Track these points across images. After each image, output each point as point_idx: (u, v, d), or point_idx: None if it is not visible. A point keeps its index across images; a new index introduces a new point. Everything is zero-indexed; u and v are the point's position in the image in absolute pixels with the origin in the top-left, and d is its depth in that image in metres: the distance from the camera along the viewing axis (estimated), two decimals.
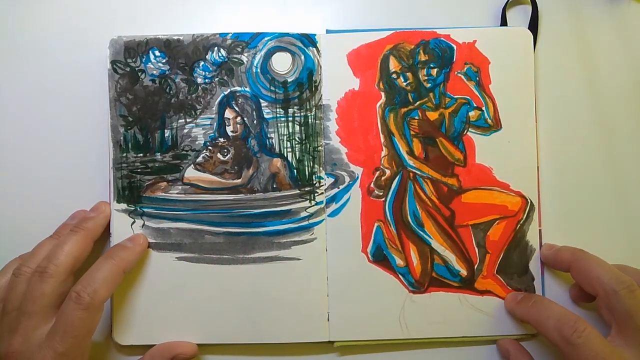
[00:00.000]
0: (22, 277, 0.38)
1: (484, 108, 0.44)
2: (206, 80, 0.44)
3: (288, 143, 0.43)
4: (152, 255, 0.43)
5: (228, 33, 0.43)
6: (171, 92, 0.43)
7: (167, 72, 0.43)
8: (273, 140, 0.43)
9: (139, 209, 0.43)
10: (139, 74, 0.43)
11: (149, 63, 0.43)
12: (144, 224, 0.43)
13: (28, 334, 0.36)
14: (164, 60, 0.43)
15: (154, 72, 0.43)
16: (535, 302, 0.40)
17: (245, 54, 0.44)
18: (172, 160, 0.43)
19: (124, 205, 0.43)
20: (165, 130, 0.43)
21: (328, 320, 0.43)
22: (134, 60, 0.43)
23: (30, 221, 0.44)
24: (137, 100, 0.43)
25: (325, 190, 0.43)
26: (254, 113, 0.44)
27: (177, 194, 0.43)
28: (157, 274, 0.43)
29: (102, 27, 0.45)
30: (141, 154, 0.43)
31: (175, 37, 0.43)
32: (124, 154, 0.43)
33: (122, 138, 0.43)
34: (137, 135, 0.43)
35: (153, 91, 0.43)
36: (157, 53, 0.43)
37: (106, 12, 0.45)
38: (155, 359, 0.41)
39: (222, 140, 0.44)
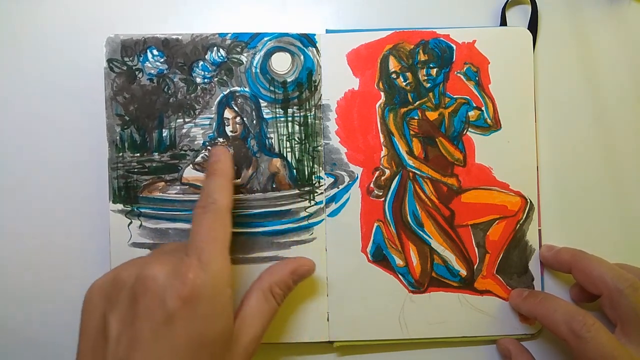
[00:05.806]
0: None
1: (483, 108, 0.44)
2: (205, 80, 0.43)
3: (287, 143, 0.43)
4: None
5: (227, 33, 0.43)
6: (169, 91, 0.43)
7: (165, 72, 0.43)
8: (272, 140, 0.43)
9: (135, 209, 0.42)
10: (137, 72, 0.43)
11: (147, 62, 0.43)
12: (141, 225, 0.42)
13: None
14: (162, 60, 0.43)
15: (152, 71, 0.43)
16: (543, 299, 0.40)
17: (245, 54, 0.43)
18: (170, 160, 0.43)
19: (120, 206, 0.42)
20: (163, 130, 0.43)
21: (328, 320, 0.43)
22: (131, 59, 0.43)
23: (26, 221, 0.44)
24: (134, 99, 0.43)
25: (325, 190, 0.43)
26: (254, 113, 0.43)
27: (176, 194, 0.43)
28: None
29: (99, 26, 0.44)
30: (138, 154, 0.43)
31: (174, 37, 0.43)
32: (120, 154, 0.43)
33: (118, 137, 0.43)
34: (134, 135, 0.43)
35: (151, 90, 0.43)
36: (155, 52, 0.43)
37: (104, 11, 0.45)
38: (275, 273, 0.39)
39: (221, 140, 0.43)
